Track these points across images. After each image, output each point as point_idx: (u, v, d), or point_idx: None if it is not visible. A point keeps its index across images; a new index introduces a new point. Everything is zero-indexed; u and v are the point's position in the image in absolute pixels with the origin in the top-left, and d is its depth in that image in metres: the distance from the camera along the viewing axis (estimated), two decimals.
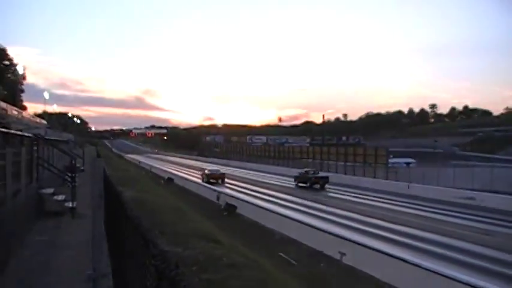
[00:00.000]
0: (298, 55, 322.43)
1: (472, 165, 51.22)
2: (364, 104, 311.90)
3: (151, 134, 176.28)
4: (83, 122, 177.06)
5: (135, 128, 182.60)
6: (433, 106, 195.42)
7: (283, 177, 52.76)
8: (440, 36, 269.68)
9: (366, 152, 56.59)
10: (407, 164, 64.77)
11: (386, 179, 44.63)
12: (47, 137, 21.53)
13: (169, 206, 24.21)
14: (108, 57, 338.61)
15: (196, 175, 56.10)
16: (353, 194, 36.85)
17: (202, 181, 47.64)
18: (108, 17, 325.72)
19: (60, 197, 13.77)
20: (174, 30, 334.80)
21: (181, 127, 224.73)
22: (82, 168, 25.29)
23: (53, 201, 13.41)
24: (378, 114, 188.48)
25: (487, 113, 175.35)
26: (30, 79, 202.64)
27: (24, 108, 75.66)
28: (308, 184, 43.45)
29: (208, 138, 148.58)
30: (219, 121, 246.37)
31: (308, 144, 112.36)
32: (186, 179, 52.11)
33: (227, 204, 29.11)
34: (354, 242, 19.26)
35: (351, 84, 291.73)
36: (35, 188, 12.78)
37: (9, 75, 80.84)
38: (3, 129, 10.35)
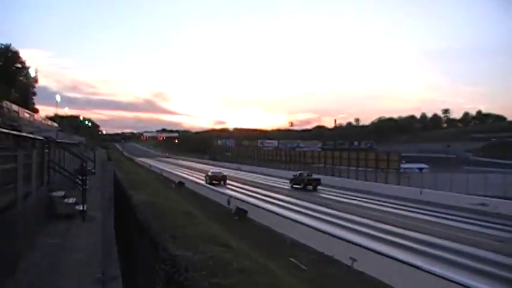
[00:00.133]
0: (310, 59, 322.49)
1: (485, 171, 50.75)
2: (376, 108, 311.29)
3: (163, 138, 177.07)
4: (94, 125, 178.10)
5: (146, 132, 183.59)
6: (446, 111, 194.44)
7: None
8: (454, 39, 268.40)
9: (378, 157, 56.35)
10: (420, 169, 64.34)
11: (399, 185, 44.36)
12: (58, 140, 21.70)
13: (179, 209, 24.22)
14: (120, 60, 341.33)
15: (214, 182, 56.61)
16: (364, 200, 36.62)
17: (206, 183, 52.12)
18: (120, 21, 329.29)
19: (71, 200, 13.84)
20: (186, 34, 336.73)
21: (193, 131, 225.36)
22: (93, 171, 25.45)
23: (64, 204, 13.48)
24: (390, 119, 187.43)
25: (500, 118, 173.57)
26: (42, 82, 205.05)
27: (36, 111, 76.11)
28: (302, 185, 46.31)
29: (219, 142, 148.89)
30: (231, 125, 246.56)
31: (320, 149, 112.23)
32: (197, 183, 52.31)
33: (238, 208, 29.05)
34: (364, 247, 19.18)
35: (363, 88, 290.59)
36: (45, 190, 12.86)
37: (21, 78, 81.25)
38: (14, 132, 10.44)
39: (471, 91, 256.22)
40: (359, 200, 36.33)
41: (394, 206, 32.82)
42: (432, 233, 22.12)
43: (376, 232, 22.67)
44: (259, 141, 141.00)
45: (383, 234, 22.01)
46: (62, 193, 13.95)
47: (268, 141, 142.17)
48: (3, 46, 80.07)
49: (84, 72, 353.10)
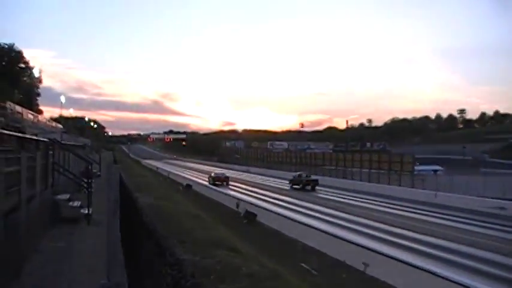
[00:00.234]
0: (321, 59, 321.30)
1: (503, 173, 50.33)
2: (390, 109, 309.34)
3: (170, 139, 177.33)
4: (100, 127, 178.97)
5: (153, 133, 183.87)
6: (461, 111, 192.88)
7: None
8: (470, 37, 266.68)
9: (391, 158, 56.18)
10: (435, 171, 63.98)
11: (413, 187, 44.11)
12: (62, 142, 21.84)
13: (187, 213, 24.25)
14: (126, 60, 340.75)
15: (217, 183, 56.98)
16: (377, 203, 36.45)
17: (209, 183, 55.33)
18: (127, 20, 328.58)
19: (76, 203, 13.88)
20: (194, 34, 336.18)
21: (201, 132, 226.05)
22: (98, 173, 25.57)
23: (69, 208, 13.51)
24: (404, 120, 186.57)
25: None
26: (46, 82, 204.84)
27: (40, 112, 76.40)
28: (300, 186, 49.70)
29: (228, 143, 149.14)
30: (239, 126, 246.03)
31: (331, 151, 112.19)
32: (205, 186, 52.44)
33: (247, 211, 29.01)
34: (378, 252, 19.07)
35: (376, 88, 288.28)
36: (50, 193, 12.91)
37: (25, 78, 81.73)
38: (18, 134, 10.49)
39: (488, 90, 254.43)
40: (372, 203, 36.15)
41: (408, 209, 32.61)
42: (448, 238, 21.92)
43: (390, 236, 22.54)
44: (269, 142, 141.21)
45: (397, 239, 21.88)
46: (67, 196, 14.00)
47: (278, 142, 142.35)
48: (6, 46, 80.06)
49: (90, 72, 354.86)
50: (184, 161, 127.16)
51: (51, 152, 13.59)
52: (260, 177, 66.90)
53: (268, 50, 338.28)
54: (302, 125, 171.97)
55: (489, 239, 22.00)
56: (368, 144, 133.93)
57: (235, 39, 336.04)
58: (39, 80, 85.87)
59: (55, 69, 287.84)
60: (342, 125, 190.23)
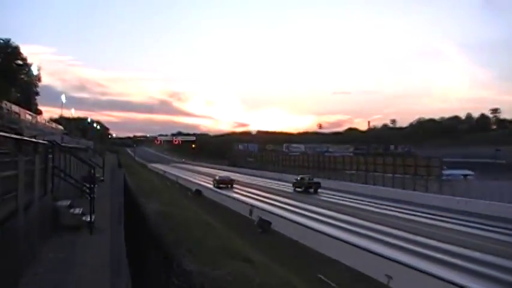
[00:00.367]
0: (340, 55, 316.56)
1: None
2: (415, 108, 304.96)
3: (178, 142, 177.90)
4: (104, 128, 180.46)
5: (160, 135, 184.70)
6: (495, 110, 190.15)
7: (324, 191, 52.42)
8: (504, 30, 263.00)
9: (417, 162, 55.67)
10: (465, 176, 63.39)
11: (440, 194, 43.72)
12: (63, 144, 21.99)
13: (197, 220, 24.34)
14: (132, 57, 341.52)
15: (227, 187, 57.43)
16: (401, 210, 36.25)
17: (214, 186, 58.48)
18: (132, 14, 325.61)
19: (77, 210, 13.95)
20: (204, 30, 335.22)
21: (211, 134, 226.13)
22: (102, 178, 25.69)
23: (70, 215, 13.58)
24: (431, 120, 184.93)
25: None
26: (45, 80, 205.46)
27: (39, 112, 76.34)
28: (303, 188, 53.13)
29: (240, 146, 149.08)
30: (253, 128, 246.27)
31: (351, 154, 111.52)
32: (216, 191, 52.61)
33: (261, 219, 29.06)
34: (401, 263, 18.96)
35: (400, 86, 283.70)
36: (49, 199, 12.97)
37: (22, 76, 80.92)
38: (15, 136, 10.56)
39: None
40: (395, 211, 35.95)
41: (435, 217, 32.34)
42: (478, 248, 21.71)
43: (415, 246, 22.39)
44: (284, 145, 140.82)
45: (422, 249, 21.73)
46: (68, 202, 14.07)
47: (294, 145, 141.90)
48: (2, 41, 78.94)
49: (92, 70, 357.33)
50: (194, 165, 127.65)
51: (50, 156, 13.67)
52: (275, 182, 66.89)
53: (283, 47, 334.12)
54: (320, 126, 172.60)
55: None
56: (392, 147, 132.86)
57: (248, 35, 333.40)
58: (38, 78, 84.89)
59: (55, 66, 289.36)
60: (363, 126, 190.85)
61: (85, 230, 12.87)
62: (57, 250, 10.49)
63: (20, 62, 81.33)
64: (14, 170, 8.56)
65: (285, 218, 32.63)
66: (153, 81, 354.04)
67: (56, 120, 79.50)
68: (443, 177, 50.49)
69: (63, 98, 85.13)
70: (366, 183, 56.32)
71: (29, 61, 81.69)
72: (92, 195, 14.40)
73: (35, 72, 75.53)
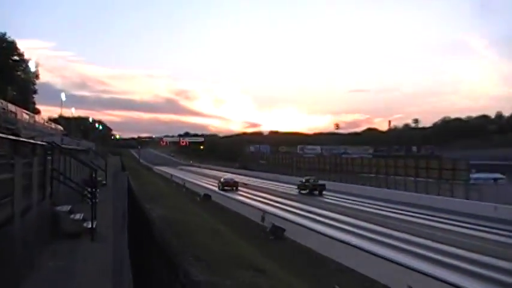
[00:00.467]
0: (358, 51, 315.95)
1: None
2: (440, 107, 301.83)
3: (186, 143, 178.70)
4: (106, 128, 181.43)
5: (166, 136, 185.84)
6: None
7: (341, 195, 52.30)
8: None
9: (442, 165, 55.38)
10: (495, 180, 62.75)
11: (467, 199, 43.35)
12: (63, 146, 22.12)
13: (205, 227, 24.40)
14: (136, 52, 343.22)
15: (238, 192, 57.99)
16: (423, 216, 36.03)
17: (218, 189, 61.76)
18: (136, 6, 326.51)
19: (78, 216, 14.00)
20: (213, 24, 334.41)
21: (221, 135, 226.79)
22: (104, 182, 25.83)
23: (70, 221, 13.63)
24: (457, 120, 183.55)
25: None
26: (44, 78, 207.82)
27: (37, 111, 76.94)
28: (307, 191, 56.68)
29: (252, 148, 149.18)
30: (265, 128, 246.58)
31: (371, 156, 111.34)
32: (226, 196, 52.69)
33: (274, 226, 29.02)
34: (425, 273, 18.84)
35: (423, 83, 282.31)
36: (48, 204, 13.03)
37: (19, 73, 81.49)
38: (11, 137, 10.58)
39: None
40: (418, 217, 35.72)
41: (461, 224, 32.08)
42: (509, 258, 21.50)
43: (439, 255, 22.21)
44: (298, 146, 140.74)
45: (447, 258, 21.56)
46: (68, 208, 14.12)
47: (309, 146, 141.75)
48: None
49: (94, 66, 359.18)
50: (202, 168, 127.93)
51: (50, 158, 13.72)
52: (287, 186, 66.86)
53: (297, 42, 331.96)
54: (337, 127, 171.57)
55: None
56: (414, 149, 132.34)
57: (261, 30, 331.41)
58: (36, 75, 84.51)
59: (54, 63, 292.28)
60: (383, 126, 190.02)
61: (86, 236, 12.90)
62: (57, 258, 10.53)
63: (16, 57, 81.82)
64: (10, 173, 8.57)
65: (299, 224, 32.61)
66: (158, 79, 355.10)
67: (55, 120, 79.70)
68: (471, 181, 50.08)
69: (62, 96, 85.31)
70: (387, 187, 56.07)
71: (26, 57, 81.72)
72: (93, 200, 14.44)
73: (32, 69, 74.47)
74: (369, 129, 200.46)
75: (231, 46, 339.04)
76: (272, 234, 28.36)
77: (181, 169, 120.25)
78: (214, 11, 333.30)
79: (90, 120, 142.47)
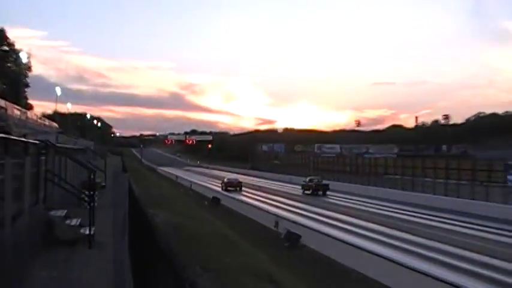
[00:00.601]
0: (381, 42, 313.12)
1: None
2: (473, 101, 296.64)
3: (192, 142, 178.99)
4: (105, 126, 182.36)
5: (171, 134, 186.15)
6: None
7: (363, 198, 52.20)
8: None
9: (476, 166, 55.07)
10: None
11: (505, 203, 43.00)
12: (58, 145, 22.18)
13: (214, 234, 24.42)
14: (138, 43, 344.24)
15: (249, 195, 58.53)
16: (454, 222, 35.82)
17: (222, 189, 65.32)
18: None
19: (75, 221, 14.00)
20: (223, 12, 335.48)
21: (231, 133, 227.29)
22: (103, 184, 25.90)
23: (65, 227, 13.63)
24: (493, 115, 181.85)
25: None
26: (36, 70, 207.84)
27: (29, 107, 77.29)
28: (311, 191, 59.80)
29: (265, 147, 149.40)
30: (280, 125, 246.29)
31: (395, 156, 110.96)
32: (237, 200, 52.79)
33: (288, 232, 29.00)
34: (454, 285, 18.72)
35: (455, 75, 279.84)
36: (42, 209, 13.05)
37: (9, 64, 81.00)
38: (1, 135, 10.60)
39: None
40: (447, 223, 35.51)
41: (497, 231, 31.85)
42: None
43: (474, 266, 22.03)
44: (316, 145, 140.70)
45: (484, 270, 21.34)
46: (63, 212, 14.13)
47: (328, 145, 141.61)
48: None
49: (92, 57, 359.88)
50: (211, 169, 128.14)
51: (43, 158, 13.76)
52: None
53: (315, 33, 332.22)
54: (358, 124, 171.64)
55: None
56: (444, 148, 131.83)
57: (275, 20, 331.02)
58: (28, 67, 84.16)
59: (48, 53, 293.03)
60: (409, 123, 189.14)
61: (83, 244, 12.91)
62: (51, 268, 10.52)
63: (6, 48, 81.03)
64: None
65: (315, 230, 32.55)
66: (163, 71, 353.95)
67: (49, 117, 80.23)
68: (509, 184, 49.75)
69: (57, 90, 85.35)
70: (413, 190, 55.81)
71: (17, 47, 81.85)
72: (91, 204, 14.45)
73: (24, 60, 74.03)
74: (394, 126, 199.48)
75: (242, 36, 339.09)
76: (287, 241, 28.36)
77: (188, 170, 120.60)
78: (224, 4, 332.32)
79: (88, 116, 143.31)
